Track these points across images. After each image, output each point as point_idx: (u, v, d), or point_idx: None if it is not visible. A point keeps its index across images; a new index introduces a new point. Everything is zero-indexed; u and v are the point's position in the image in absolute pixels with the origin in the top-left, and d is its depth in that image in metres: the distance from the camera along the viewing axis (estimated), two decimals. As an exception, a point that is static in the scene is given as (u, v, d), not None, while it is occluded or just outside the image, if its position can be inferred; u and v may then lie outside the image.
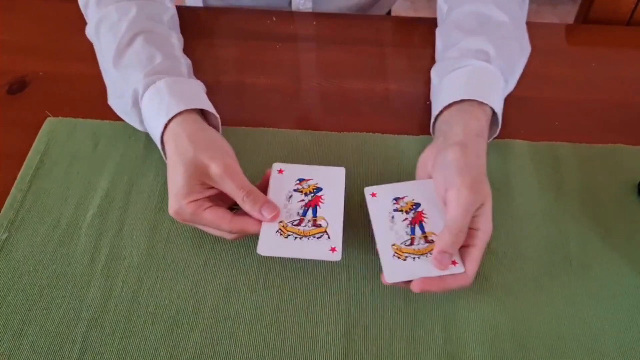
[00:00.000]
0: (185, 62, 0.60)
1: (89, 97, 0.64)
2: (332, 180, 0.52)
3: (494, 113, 0.55)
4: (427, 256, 0.47)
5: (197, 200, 0.48)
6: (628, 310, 0.50)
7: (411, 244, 0.48)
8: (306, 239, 0.48)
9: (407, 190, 0.51)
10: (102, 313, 0.49)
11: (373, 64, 0.70)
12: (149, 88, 0.54)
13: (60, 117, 0.63)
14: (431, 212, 0.50)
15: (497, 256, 0.53)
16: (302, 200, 0.50)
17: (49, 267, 0.51)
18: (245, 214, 0.49)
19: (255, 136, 0.61)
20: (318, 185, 0.51)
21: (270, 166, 0.53)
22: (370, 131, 0.62)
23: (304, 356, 0.47)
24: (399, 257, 0.47)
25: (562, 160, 0.60)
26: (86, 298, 0.50)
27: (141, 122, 0.56)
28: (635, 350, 0.47)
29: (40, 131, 0.61)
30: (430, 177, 0.51)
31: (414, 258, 0.47)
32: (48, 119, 0.62)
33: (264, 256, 0.48)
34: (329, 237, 0.48)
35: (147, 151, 0.60)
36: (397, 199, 0.51)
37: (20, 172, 0.58)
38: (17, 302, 0.49)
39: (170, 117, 0.51)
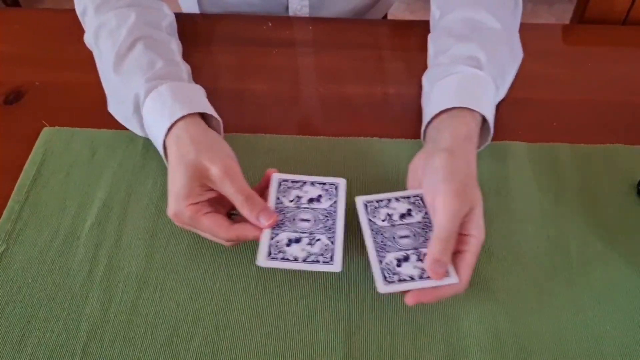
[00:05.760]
0: (185, 68, 0.61)
1: (85, 106, 0.64)
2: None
3: (485, 120, 0.54)
4: None
5: (196, 203, 0.48)
6: (630, 312, 0.49)
7: None
8: None
9: None
10: (101, 324, 0.49)
11: (370, 68, 0.70)
12: (151, 92, 0.54)
13: (56, 127, 0.62)
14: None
15: (497, 259, 0.53)
16: None
17: (48, 279, 0.51)
18: (243, 220, 0.48)
19: (254, 142, 0.61)
20: None
21: (269, 169, 0.52)
22: (369, 135, 0.62)
23: (305, 363, 0.47)
24: None
25: (561, 161, 0.60)
26: (85, 309, 0.49)
27: (142, 127, 0.56)
28: (638, 352, 0.47)
29: (37, 141, 0.61)
30: (421, 186, 0.51)
31: None
32: (45, 128, 0.62)
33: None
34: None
35: (144, 159, 0.60)
36: None
37: (17, 183, 0.58)
38: (16, 314, 0.49)
39: (173, 121, 0.51)
